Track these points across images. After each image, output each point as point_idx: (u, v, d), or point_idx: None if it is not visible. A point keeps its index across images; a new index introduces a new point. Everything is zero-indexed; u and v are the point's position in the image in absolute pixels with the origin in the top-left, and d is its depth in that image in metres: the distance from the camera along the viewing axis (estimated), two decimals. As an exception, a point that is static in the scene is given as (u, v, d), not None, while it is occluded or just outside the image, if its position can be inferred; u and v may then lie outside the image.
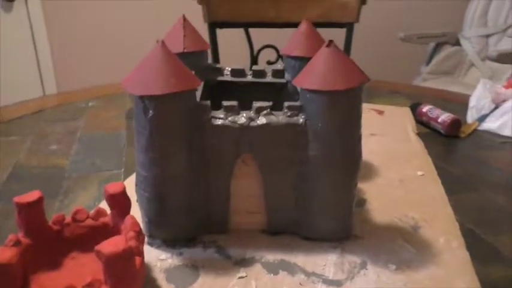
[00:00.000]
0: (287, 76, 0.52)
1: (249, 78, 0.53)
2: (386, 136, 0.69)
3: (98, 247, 0.30)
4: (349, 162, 0.41)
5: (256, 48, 1.27)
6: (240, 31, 1.27)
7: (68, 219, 0.39)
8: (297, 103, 0.41)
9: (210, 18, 1.15)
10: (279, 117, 0.40)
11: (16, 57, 1.72)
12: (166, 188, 0.41)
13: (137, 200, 0.43)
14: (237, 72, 0.53)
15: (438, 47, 1.70)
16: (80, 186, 0.60)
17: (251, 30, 1.28)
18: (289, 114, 0.40)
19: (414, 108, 0.81)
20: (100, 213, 0.39)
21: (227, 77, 0.53)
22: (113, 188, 0.37)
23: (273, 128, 0.40)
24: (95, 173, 0.64)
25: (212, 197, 0.43)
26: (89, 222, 0.39)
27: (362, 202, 0.51)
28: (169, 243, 0.43)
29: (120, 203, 0.37)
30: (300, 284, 0.39)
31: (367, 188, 0.54)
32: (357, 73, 0.39)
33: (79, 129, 0.82)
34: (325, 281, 0.39)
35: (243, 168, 0.43)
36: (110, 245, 0.30)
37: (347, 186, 0.42)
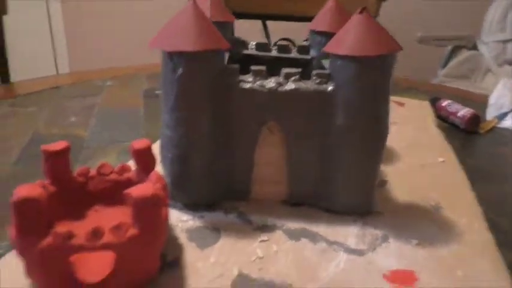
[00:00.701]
0: (312, 52, 0.52)
1: (274, 53, 0.53)
2: (407, 125, 0.69)
3: (127, 191, 0.30)
4: (376, 134, 0.41)
5: (273, 40, 1.27)
6: (258, 23, 1.27)
7: (93, 172, 0.39)
8: (326, 71, 0.41)
9: (228, 8, 1.15)
10: (308, 84, 0.40)
11: (31, 36, 1.73)
12: (190, 150, 0.41)
13: (161, 162, 0.43)
14: (261, 47, 0.53)
15: (455, 50, 1.69)
16: (98, 156, 0.60)
17: (268, 22, 1.29)
18: (318, 81, 0.40)
19: (433, 103, 0.80)
20: (125, 168, 0.39)
21: (251, 51, 0.53)
22: (140, 143, 0.37)
23: (301, 94, 0.40)
24: (114, 144, 0.64)
25: (235, 164, 0.43)
26: (113, 176, 0.39)
27: (383, 183, 0.51)
28: (191, 206, 0.43)
29: (145, 159, 0.37)
30: (322, 250, 0.38)
31: (388, 171, 0.53)
32: (390, 41, 0.39)
33: (97, 104, 0.82)
34: (347, 249, 0.39)
35: (268, 137, 0.42)
36: (139, 190, 0.30)
37: (372, 159, 0.42)
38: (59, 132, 0.68)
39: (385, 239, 0.40)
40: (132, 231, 0.30)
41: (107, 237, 0.29)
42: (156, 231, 0.31)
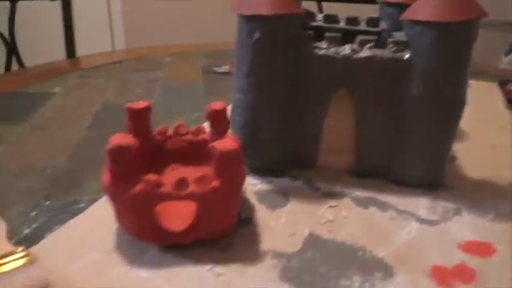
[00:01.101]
0: (382, 25, 0.51)
1: (342, 25, 0.52)
2: (475, 106, 0.66)
3: (212, 144, 0.31)
4: (453, 105, 0.40)
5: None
6: (313, 4, 1.25)
7: (170, 132, 0.40)
8: (403, 38, 0.40)
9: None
10: (383, 52, 0.40)
11: (90, 13, 1.80)
12: (262, 115, 0.42)
13: (230, 127, 0.44)
14: (330, 18, 0.53)
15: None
16: (167, 123, 0.62)
17: (324, 3, 1.27)
18: (394, 49, 0.40)
19: (502, 85, 0.77)
20: (200, 130, 0.40)
21: (320, 22, 0.53)
22: (217, 105, 0.38)
23: (376, 61, 0.39)
24: (180, 113, 0.67)
25: (304, 131, 0.44)
26: (189, 137, 0.40)
27: (453, 159, 0.49)
28: (258, 172, 0.44)
29: (221, 120, 0.39)
30: (393, 218, 0.38)
31: (457, 149, 0.52)
32: (473, 6, 0.37)
33: (159, 78, 0.85)
34: (418, 219, 0.38)
35: (339, 105, 0.42)
36: (223, 144, 0.31)
37: (447, 131, 0.41)
38: (126, 102, 0.71)
39: (457, 212, 0.40)
40: (215, 183, 0.31)
41: (192, 188, 0.31)
42: (237, 185, 0.32)
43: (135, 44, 1.90)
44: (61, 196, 0.44)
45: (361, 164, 0.44)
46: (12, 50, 1.05)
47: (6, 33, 1.05)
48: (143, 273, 0.30)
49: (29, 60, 1.08)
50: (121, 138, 0.30)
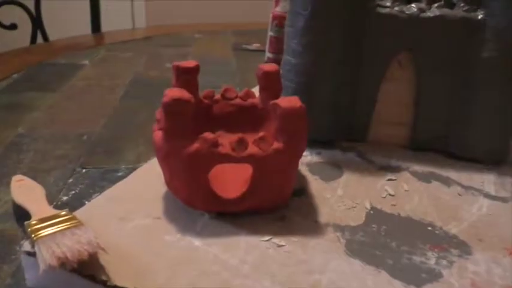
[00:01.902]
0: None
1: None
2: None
3: (274, 101, 0.28)
4: (527, 71, 0.36)
5: None
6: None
7: (218, 96, 0.38)
8: (475, -2, 0.36)
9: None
10: (454, 11, 0.36)
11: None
12: (315, 79, 0.39)
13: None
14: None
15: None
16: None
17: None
18: (465, 8, 0.36)
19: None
20: (249, 94, 0.38)
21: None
22: (269, 66, 0.35)
23: (445, 22, 0.36)
24: (213, 87, 0.64)
25: (358, 99, 0.40)
26: (238, 101, 0.37)
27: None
28: (307, 143, 0.41)
29: (273, 83, 0.36)
30: (459, 194, 0.35)
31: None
32: None
33: (189, 53, 0.83)
34: (487, 195, 0.35)
35: (397, 71, 0.39)
36: (287, 101, 0.28)
37: (518, 100, 0.37)
38: (157, 75, 0.69)
39: (529, 189, 0.36)
40: (278, 144, 0.28)
41: (251, 149, 0.28)
42: (300, 148, 0.29)
43: (155, 23, 1.87)
44: (98, 164, 0.42)
45: (418, 136, 0.41)
46: (37, 24, 1.04)
47: (32, 7, 1.03)
48: (196, 242, 0.28)
49: (53, 35, 1.06)
50: (177, 91, 0.27)
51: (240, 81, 0.66)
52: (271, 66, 0.35)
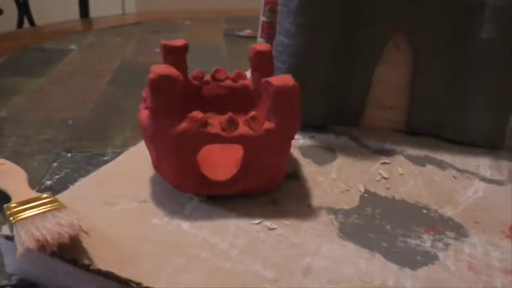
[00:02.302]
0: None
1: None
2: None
3: (266, 79, 0.27)
4: (525, 52, 0.36)
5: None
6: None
7: (208, 77, 0.36)
8: (473, -24, 0.35)
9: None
10: (451, -10, 0.35)
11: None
12: (308, 60, 0.37)
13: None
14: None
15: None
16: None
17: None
18: (463, -13, 0.35)
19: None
20: (240, 75, 0.36)
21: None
22: (261, 46, 0.34)
23: (443, 1, 0.35)
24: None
25: (352, 83, 0.39)
26: (228, 83, 0.36)
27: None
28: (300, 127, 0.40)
29: (265, 63, 0.34)
30: (454, 177, 0.34)
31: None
32: None
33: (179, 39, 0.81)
34: (483, 179, 0.34)
35: (393, 54, 0.38)
36: (279, 79, 0.27)
37: (515, 82, 0.37)
38: (145, 61, 0.67)
39: (524, 172, 0.36)
40: (269, 124, 0.27)
41: (243, 129, 0.27)
42: (293, 128, 0.28)
43: (145, 9, 1.83)
44: (83, 148, 0.41)
45: (413, 120, 0.40)
46: (23, 8, 1.01)
47: (17, -8, 1.00)
48: (184, 225, 0.27)
49: (40, 20, 1.03)
50: (165, 67, 0.26)
51: (231, 68, 0.65)
52: (263, 46, 0.34)
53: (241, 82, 0.36)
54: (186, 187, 0.28)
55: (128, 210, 0.28)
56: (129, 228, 0.26)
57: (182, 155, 0.27)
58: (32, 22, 1.02)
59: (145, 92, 0.30)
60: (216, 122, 0.27)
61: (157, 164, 0.29)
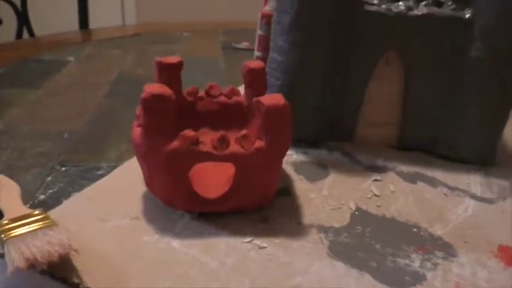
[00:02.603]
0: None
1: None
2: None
3: (257, 98, 0.28)
4: (514, 71, 0.36)
5: None
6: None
7: (202, 93, 0.37)
8: (463, -4, 0.36)
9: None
10: (442, 9, 0.36)
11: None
12: (301, 77, 0.38)
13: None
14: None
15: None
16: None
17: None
18: (453, 7, 0.36)
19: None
20: (234, 91, 0.37)
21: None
22: (254, 63, 0.35)
23: (433, 20, 0.35)
24: (200, 86, 0.63)
25: (344, 99, 0.40)
26: (222, 99, 0.37)
27: (499, 136, 0.45)
28: (293, 142, 0.40)
29: (258, 80, 0.35)
30: (445, 194, 0.34)
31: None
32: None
33: (178, 51, 0.82)
34: (473, 196, 0.34)
35: (384, 70, 0.39)
36: (271, 98, 0.27)
37: (506, 101, 0.37)
38: (143, 72, 0.68)
39: (515, 190, 0.36)
40: (260, 143, 0.27)
41: (233, 147, 0.27)
42: (283, 147, 0.28)
43: (145, 20, 1.85)
44: (78, 162, 0.41)
45: (405, 136, 0.41)
46: (23, 19, 1.02)
47: (18, 3, 1.01)
48: (175, 243, 0.27)
49: (40, 31, 1.04)
50: (157, 87, 0.26)
51: (228, 80, 0.65)
52: (256, 64, 0.35)
53: (234, 98, 0.36)
54: (177, 204, 0.29)
55: (120, 227, 0.28)
56: (120, 245, 0.26)
57: (174, 172, 0.27)
58: (31, 33, 1.03)
59: (138, 110, 0.30)
60: (207, 140, 0.27)
61: (149, 181, 0.29)
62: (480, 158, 0.39)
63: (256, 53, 0.69)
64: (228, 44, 0.89)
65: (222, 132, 0.28)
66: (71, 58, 0.73)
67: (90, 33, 0.99)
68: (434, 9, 0.36)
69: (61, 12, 1.50)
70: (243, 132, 0.27)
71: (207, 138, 0.28)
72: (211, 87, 0.37)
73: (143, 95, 0.26)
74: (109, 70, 0.68)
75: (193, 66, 0.72)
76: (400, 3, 0.36)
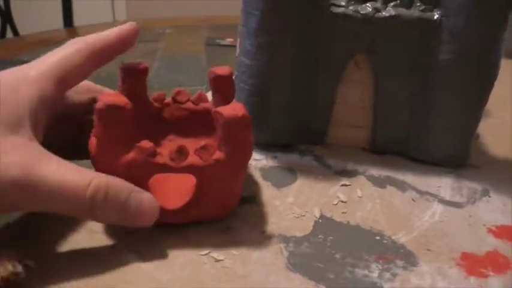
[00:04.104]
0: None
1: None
2: (499, 83, 0.61)
3: (217, 109, 0.27)
4: (486, 74, 0.35)
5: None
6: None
7: (169, 99, 0.36)
8: (432, -3, 0.35)
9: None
10: (410, 11, 0.35)
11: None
12: (270, 80, 0.37)
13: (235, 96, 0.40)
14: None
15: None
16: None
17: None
18: (422, 8, 0.35)
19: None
20: (201, 97, 0.36)
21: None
22: (221, 69, 0.34)
23: (401, 22, 0.35)
24: (178, 86, 0.62)
25: (315, 102, 0.39)
26: (189, 105, 0.36)
27: (475, 136, 0.45)
28: (263, 146, 0.40)
29: (225, 87, 0.34)
30: (413, 199, 0.34)
31: (480, 126, 0.47)
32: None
33: (159, 49, 0.81)
34: (442, 201, 0.34)
35: (354, 73, 0.38)
36: (230, 109, 0.27)
37: (477, 103, 0.37)
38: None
39: (485, 193, 0.35)
40: (219, 154, 0.27)
41: (192, 159, 0.27)
42: (244, 157, 0.28)
43: (136, 16, 1.83)
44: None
45: (377, 139, 0.40)
46: (6, 18, 1.00)
47: (0, 1, 1.00)
48: (130, 257, 0.26)
49: (24, 30, 1.03)
50: (112, 96, 0.26)
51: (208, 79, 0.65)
52: (223, 70, 0.34)
53: (202, 105, 0.36)
54: (135, 216, 0.28)
55: (77, 243, 0.27)
56: (78, 262, 0.26)
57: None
58: (15, 31, 1.01)
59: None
60: (166, 152, 0.27)
61: None
62: (452, 161, 0.39)
63: (238, 50, 0.68)
64: (212, 41, 0.88)
65: (181, 143, 0.27)
66: (50, 58, 0.72)
67: (74, 32, 0.98)
68: (403, 11, 0.35)
69: (48, 9, 1.48)
70: (203, 143, 0.27)
71: (165, 149, 0.28)
72: (178, 93, 0.36)
73: (97, 105, 0.26)
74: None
75: (174, 64, 0.71)
76: (368, 4, 0.35)
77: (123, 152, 0.26)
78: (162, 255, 0.27)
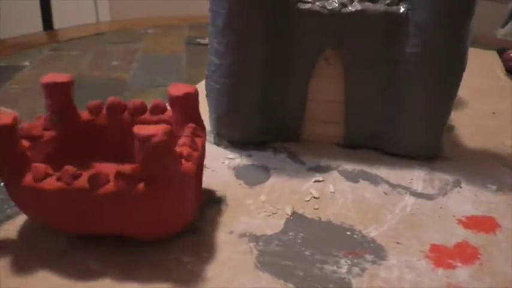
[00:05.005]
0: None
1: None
2: (474, 73, 0.62)
3: (135, 127, 0.24)
4: (453, 66, 0.36)
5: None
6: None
7: (104, 111, 0.33)
8: (398, -9, 0.35)
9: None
10: (376, 5, 0.35)
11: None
12: (241, 79, 0.37)
13: (206, 95, 0.40)
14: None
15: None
16: (140, 98, 0.57)
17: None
18: (388, 2, 0.35)
19: (500, 53, 0.72)
20: (158, 107, 0.33)
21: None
22: (178, 90, 0.30)
23: (367, 16, 0.35)
24: (156, 87, 0.62)
25: (287, 99, 0.39)
26: (126, 117, 0.32)
27: (450, 128, 0.45)
28: (238, 145, 0.40)
29: (184, 106, 0.30)
30: (385, 193, 0.34)
31: (454, 117, 0.48)
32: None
33: (139, 50, 0.80)
34: (414, 193, 0.34)
35: (325, 68, 0.38)
36: (150, 129, 0.24)
37: (446, 95, 0.37)
38: (101, 75, 0.66)
39: (456, 184, 0.36)
40: (137, 181, 0.24)
41: (109, 186, 0.25)
42: (168, 181, 0.25)
43: (120, 16, 1.81)
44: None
45: (350, 134, 0.40)
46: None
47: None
48: (94, 265, 0.26)
49: (3, 33, 1.01)
50: (4, 117, 0.25)
51: (188, 78, 0.64)
52: (181, 90, 0.30)
53: (140, 117, 0.32)
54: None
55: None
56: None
57: (33, 208, 0.26)
58: (-7, 35, 1.00)
59: None
60: (85, 175, 0.25)
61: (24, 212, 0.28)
62: (425, 153, 0.39)
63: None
64: (193, 40, 0.88)
65: (96, 169, 0.25)
66: (27, 63, 0.71)
67: (53, 35, 0.97)
68: (369, 5, 0.35)
69: (28, 12, 1.46)
70: (125, 167, 0.24)
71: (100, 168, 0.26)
72: (113, 103, 0.33)
73: None
74: (66, 73, 0.66)
75: (153, 65, 0.71)
76: (335, 0, 0.35)
77: (20, 175, 0.25)
78: (127, 261, 0.26)
